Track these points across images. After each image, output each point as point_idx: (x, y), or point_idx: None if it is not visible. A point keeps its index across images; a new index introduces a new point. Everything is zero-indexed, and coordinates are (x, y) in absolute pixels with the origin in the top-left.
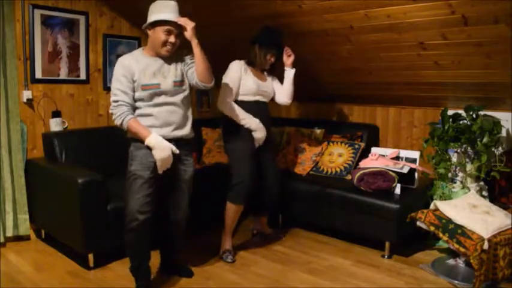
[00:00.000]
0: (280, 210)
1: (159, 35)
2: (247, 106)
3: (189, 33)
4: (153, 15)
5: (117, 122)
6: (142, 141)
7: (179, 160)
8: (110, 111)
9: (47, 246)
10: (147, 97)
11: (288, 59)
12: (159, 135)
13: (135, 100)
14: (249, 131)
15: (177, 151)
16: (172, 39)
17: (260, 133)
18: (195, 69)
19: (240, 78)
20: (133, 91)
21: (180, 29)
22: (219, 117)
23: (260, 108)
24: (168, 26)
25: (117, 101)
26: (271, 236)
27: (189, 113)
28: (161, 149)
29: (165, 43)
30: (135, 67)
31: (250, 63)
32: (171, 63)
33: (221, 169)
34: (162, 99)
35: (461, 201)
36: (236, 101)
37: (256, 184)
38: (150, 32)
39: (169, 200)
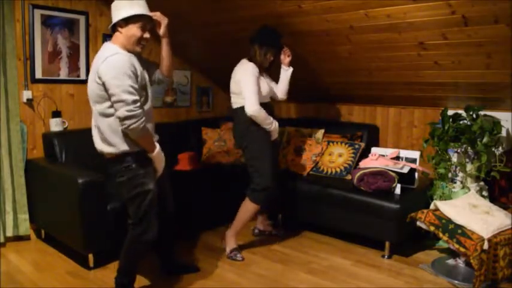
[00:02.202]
0: (280, 210)
1: (133, 31)
2: (264, 108)
3: (163, 29)
4: (124, 11)
5: (139, 126)
6: (142, 154)
7: None
8: (129, 113)
9: (47, 246)
10: (144, 97)
11: (286, 58)
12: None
13: None
14: (268, 133)
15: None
16: (147, 35)
17: (276, 134)
18: (165, 66)
19: (258, 79)
20: None
21: (152, 24)
22: (219, 117)
23: (270, 109)
24: (143, 21)
25: (136, 101)
26: (273, 234)
27: None
28: (162, 159)
29: (140, 40)
30: (136, 64)
31: (250, 61)
32: (139, 61)
33: (221, 169)
34: (150, 102)
35: (461, 201)
36: None
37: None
38: (122, 30)
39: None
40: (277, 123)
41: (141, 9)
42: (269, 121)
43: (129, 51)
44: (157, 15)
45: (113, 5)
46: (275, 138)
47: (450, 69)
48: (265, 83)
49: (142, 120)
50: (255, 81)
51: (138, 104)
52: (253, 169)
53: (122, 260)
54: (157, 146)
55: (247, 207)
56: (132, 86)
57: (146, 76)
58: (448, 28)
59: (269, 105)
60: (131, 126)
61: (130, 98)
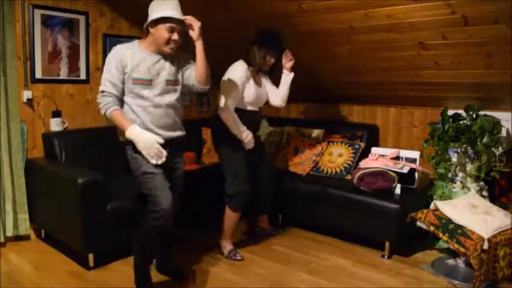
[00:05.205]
0: (280, 210)
1: (161, 32)
2: (243, 115)
3: (195, 33)
4: (155, 13)
5: (102, 112)
6: None
7: (170, 161)
8: (98, 100)
9: (47, 246)
10: (136, 92)
11: (288, 63)
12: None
13: (124, 93)
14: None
15: (162, 141)
16: (175, 36)
17: (249, 146)
18: (196, 70)
19: (244, 84)
20: (123, 83)
21: (184, 27)
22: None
23: (254, 118)
24: (170, 23)
25: (103, 92)
26: (273, 234)
27: (180, 114)
28: (143, 141)
29: (168, 41)
30: (129, 59)
31: (248, 63)
32: (167, 61)
33: (221, 169)
34: (151, 97)
35: (461, 201)
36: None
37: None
38: (152, 30)
39: None
40: (251, 135)
41: (170, 11)
42: (240, 130)
43: (159, 51)
44: (188, 18)
45: (149, 7)
46: (249, 148)
47: (450, 69)
48: (253, 89)
49: (105, 109)
50: (236, 82)
51: (105, 93)
52: (226, 173)
53: (134, 241)
54: (131, 127)
55: (228, 215)
56: (107, 79)
57: (153, 75)
58: (448, 28)
59: (254, 114)
60: (100, 111)
61: (101, 88)
